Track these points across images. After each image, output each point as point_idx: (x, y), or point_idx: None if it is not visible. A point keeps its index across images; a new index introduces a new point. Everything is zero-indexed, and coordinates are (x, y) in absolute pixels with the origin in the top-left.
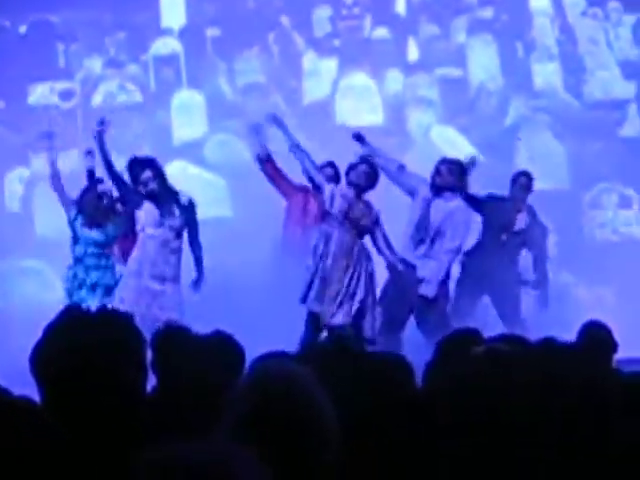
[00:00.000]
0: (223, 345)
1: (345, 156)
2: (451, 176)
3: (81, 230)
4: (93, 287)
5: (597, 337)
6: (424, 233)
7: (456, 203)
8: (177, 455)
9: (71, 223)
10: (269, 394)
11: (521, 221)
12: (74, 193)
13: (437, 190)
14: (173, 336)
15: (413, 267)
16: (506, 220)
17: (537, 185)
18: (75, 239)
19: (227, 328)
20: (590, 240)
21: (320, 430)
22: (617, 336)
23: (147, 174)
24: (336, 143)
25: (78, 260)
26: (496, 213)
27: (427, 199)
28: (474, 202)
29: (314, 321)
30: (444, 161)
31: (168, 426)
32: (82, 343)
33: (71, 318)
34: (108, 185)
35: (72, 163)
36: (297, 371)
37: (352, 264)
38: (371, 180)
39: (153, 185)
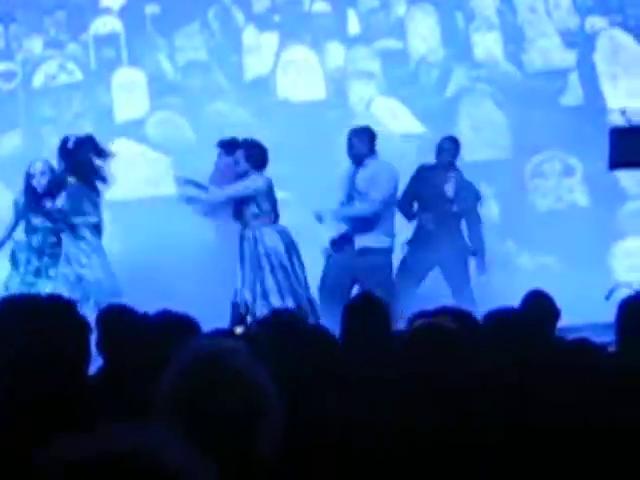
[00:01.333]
0: (170, 323)
1: (287, 131)
2: (362, 143)
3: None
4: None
5: (540, 305)
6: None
7: (374, 164)
8: (83, 450)
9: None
10: (191, 373)
11: (450, 188)
12: (15, 175)
13: (357, 161)
14: (118, 315)
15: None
16: (438, 189)
17: (479, 155)
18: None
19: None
20: (533, 209)
21: (260, 413)
22: (561, 304)
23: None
24: (278, 118)
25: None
26: (427, 183)
27: (350, 172)
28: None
29: None
30: (353, 132)
31: (113, 407)
32: (25, 329)
33: (14, 304)
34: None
35: (14, 145)
36: (228, 346)
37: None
38: None
39: None
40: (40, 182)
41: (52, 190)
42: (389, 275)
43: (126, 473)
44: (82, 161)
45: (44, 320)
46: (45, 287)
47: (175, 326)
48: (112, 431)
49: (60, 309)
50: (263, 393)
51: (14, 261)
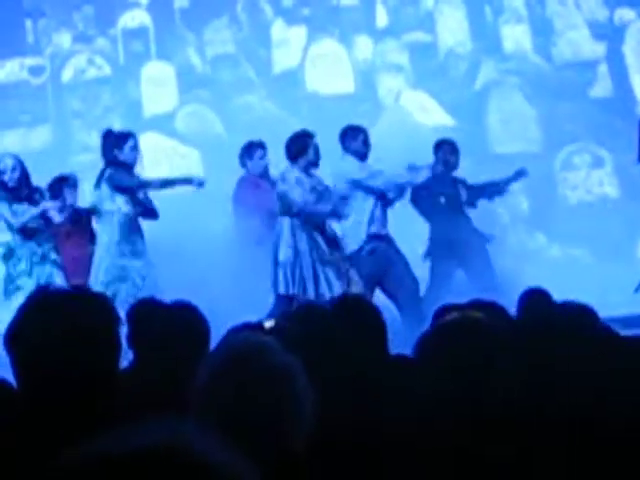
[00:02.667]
0: (190, 315)
1: (315, 124)
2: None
3: None
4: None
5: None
6: None
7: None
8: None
9: None
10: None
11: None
12: (44, 171)
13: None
14: (147, 309)
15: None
16: (442, 187)
17: (509, 148)
18: None
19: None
20: (563, 201)
21: (294, 411)
22: (591, 296)
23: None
24: (306, 111)
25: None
26: (431, 183)
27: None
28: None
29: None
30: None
31: (144, 402)
32: (56, 324)
33: (45, 298)
34: None
35: (43, 139)
36: (261, 343)
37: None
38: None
39: None
40: (12, 177)
41: (22, 184)
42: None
43: (163, 469)
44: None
45: (77, 314)
46: (53, 272)
47: (192, 317)
48: (147, 427)
49: (94, 303)
50: (296, 390)
51: (17, 259)
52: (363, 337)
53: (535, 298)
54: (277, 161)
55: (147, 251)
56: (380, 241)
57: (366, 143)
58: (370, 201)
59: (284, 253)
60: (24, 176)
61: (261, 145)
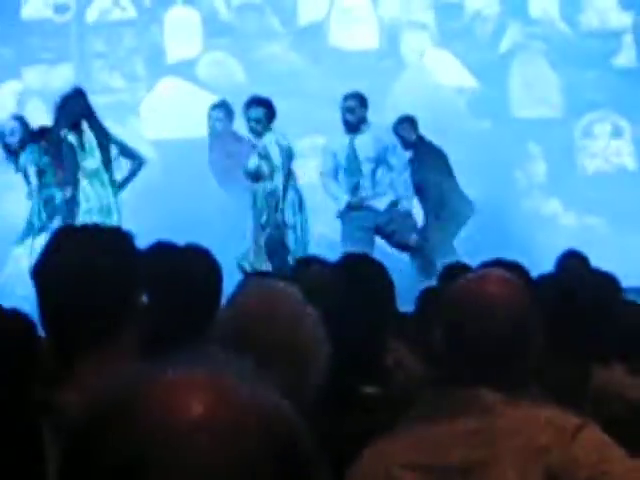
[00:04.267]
0: (203, 258)
1: (337, 78)
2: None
3: None
4: None
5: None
6: None
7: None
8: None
9: None
10: (252, 315)
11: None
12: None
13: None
14: (162, 249)
15: None
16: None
17: (529, 112)
18: None
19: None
20: (581, 169)
21: (306, 352)
22: (605, 266)
23: None
24: (329, 65)
25: None
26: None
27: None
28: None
29: None
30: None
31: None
32: (75, 260)
33: (67, 235)
34: None
35: (65, 78)
36: (282, 288)
37: None
38: None
39: None
40: (12, 140)
41: (25, 146)
42: None
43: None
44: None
45: (96, 250)
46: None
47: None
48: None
49: (113, 239)
50: (317, 337)
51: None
52: (370, 298)
53: (574, 260)
54: (296, 113)
55: None
56: None
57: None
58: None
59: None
60: (26, 136)
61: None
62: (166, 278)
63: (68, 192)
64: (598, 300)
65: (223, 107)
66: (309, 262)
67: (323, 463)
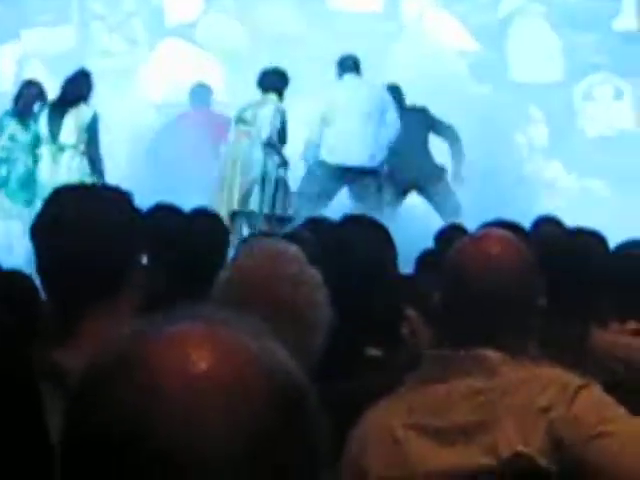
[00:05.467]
0: (210, 221)
1: (339, 41)
2: None
3: None
4: None
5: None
6: None
7: None
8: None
9: None
10: (253, 275)
11: None
12: (66, 70)
13: None
14: (163, 212)
15: None
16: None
17: (530, 76)
18: None
19: None
20: (582, 132)
21: (308, 313)
22: (606, 228)
23: None
24: (331, 28)
25: None
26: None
27: None
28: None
29: None
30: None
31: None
32: (70, 218)
33: (64, 194)
34: None
35: (63, 41)
36: (285, 248)
37: None
38: None
39: None
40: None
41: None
42: None
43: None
44: None
45: (93, 208)
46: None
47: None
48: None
49: (110, 198)
50: (321, 299)
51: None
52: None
53: (548, 225)
54: (301, 76)
55: None
56: None
57: None
58: None
59: None
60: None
61: None
62: (171, 240)
63: None
64: (575, 261)
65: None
66: (317, 222)
67: (326, 422)
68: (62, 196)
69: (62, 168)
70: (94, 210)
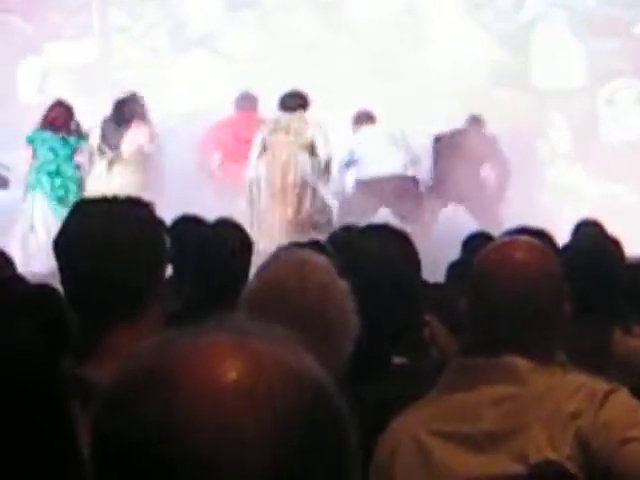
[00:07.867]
0: (231, 231)
1: (358, 50)
2: None
3: None
4: None
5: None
6: None
7: None
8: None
9: None
10: (282, 286)
11: None
12: (89, 83)
13: None
14: (187, 224)
15: None
16: None
17: (552, 82)
18: None
19: None
20: (605, 137)
21: (337, 322)
22: (629, 234)
23: None
24: (350, 37)
25: None
26: None
27: None
28: None
29: None
30: None
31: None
32: (101, 229)
33: (87, 208)
34: None
35: (87, 53)
36: (315, 261)
37: None
38: None
39: None
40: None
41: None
42: None
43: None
44: None
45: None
46: None
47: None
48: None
49: (135, 213)
50: (349, 309)
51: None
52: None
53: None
54: (316, 85)
55: None
56: None
57: None
58: None
59: None
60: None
61: None
62: (196, 251)
63: None
64: (599, 268)
65: None
66: (349, 230)
67: (355, 429)
68: (85, 211)
69: (114, 184)
70: (117, 225)
